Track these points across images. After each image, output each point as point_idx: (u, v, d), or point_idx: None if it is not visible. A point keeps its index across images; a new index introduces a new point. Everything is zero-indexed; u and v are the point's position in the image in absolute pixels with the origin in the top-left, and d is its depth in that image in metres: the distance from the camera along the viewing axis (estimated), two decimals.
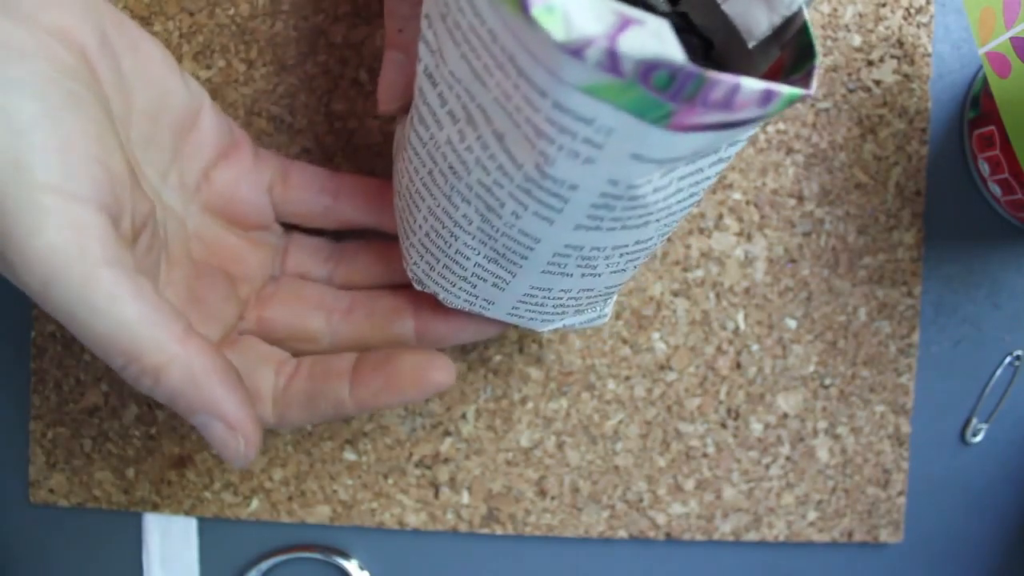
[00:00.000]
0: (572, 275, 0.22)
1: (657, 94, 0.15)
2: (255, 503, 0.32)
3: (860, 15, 0.32)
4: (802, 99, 0.17)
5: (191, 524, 0.32)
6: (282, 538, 0.33)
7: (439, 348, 0.29)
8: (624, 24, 0.15)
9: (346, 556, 0.32)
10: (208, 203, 0.27)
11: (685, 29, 0.22)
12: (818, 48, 0.19)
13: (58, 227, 0.19)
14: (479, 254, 0.23)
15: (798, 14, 0.19)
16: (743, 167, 0.32)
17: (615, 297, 0.27)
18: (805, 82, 0.18)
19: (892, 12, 0.32)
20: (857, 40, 0.32)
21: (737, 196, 0.32)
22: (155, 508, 0.32)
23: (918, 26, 0.32)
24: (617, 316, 0.32)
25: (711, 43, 0.21)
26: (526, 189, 0.19)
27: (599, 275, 0.23)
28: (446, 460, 0.32)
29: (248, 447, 0.22)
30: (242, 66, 0.31)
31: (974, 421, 0.33)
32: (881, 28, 0.32)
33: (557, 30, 0.15)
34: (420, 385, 0.26)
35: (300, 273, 0.29)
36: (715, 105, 0.16)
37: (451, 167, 0.21)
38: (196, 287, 0.25)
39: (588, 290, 0.24)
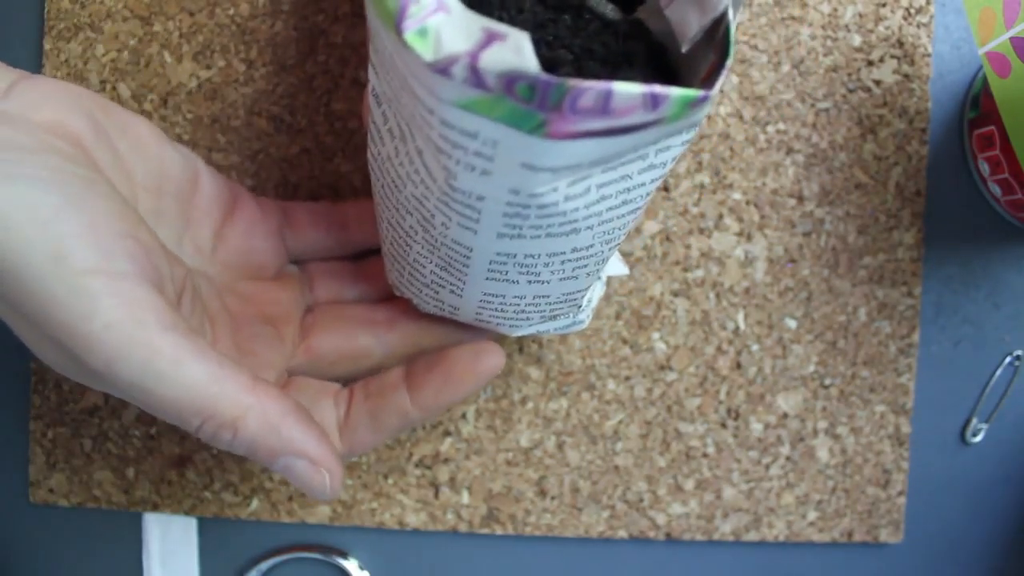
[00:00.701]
0: (518, 282, 0.23)
1: (525, 105, 0.16)
2: (255, 503, 0.32)
3: (860, 15, 0.32)
4: (700, 101, 0.17)
5: (191, 524, 0.32)
6: (282, 538, 0.33)
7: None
8: (488, 40, 0.16)
9: (346, 556, 0.32)
10: (226, 261, 0.27)
11: (637, 36, 0.22)
12: (732, 50, 0.19)
13: (111, 307, 0.19)
14: (431, 262, 0.23)
15: (724, 15, 0.19)
16: (743, 167, 0.32)
17: (594, 304, 0.27)
18: (710, 84, 0.18)
19: (892, 12, 0.32)
20: (857, 40, 0.32)
21: (737, 196, 0.32)
22: (155, 508, 0.32)
23: (918, 26, 0.32)
24: (617, 316, 0.32)
25: (664, 48, 0.22)
26: (444, 201, 0.20)
27: (546, 282, 0.23)
28: (446, 460, 0.32)
29: (334, 480, 0.23)
30: (242, 66, 0.31)
31: (974, 421, 0.33)
32: (881, 28, 0.32)
33: (426, 52, 0.16)
34: (477, 373, 0.26)
35: (332, 299, 0.29)
36: (589, 111, 0.16)
37: (393, 181, 0.22)
38: (241, 339, 0.26)
39: (544, 296, 0.24)
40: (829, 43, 0.32)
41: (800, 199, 0.32)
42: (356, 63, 0.31)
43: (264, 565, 0.32)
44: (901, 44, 0.32)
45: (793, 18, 0.32)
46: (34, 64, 0.31)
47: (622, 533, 0.32)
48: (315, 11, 0.31)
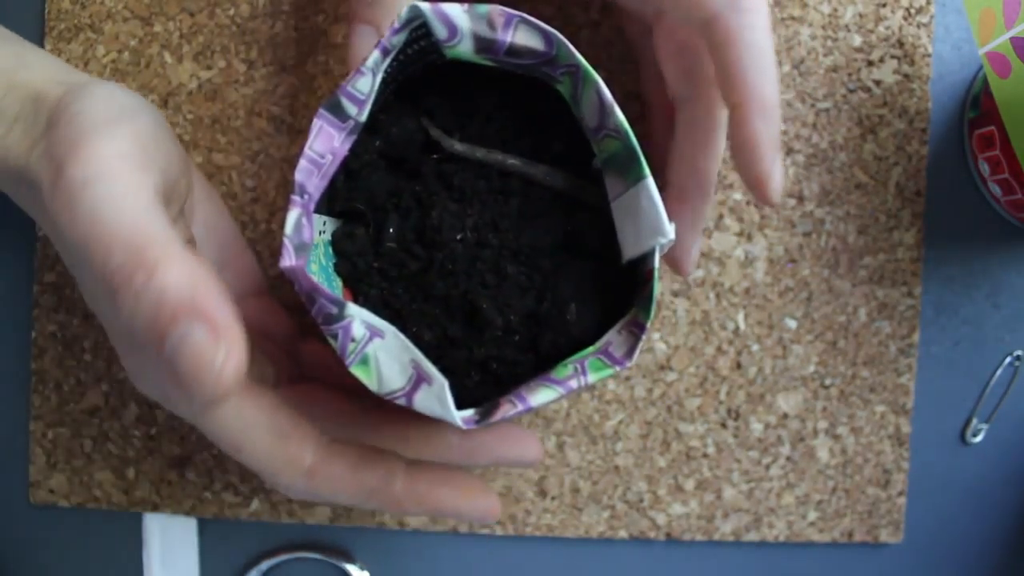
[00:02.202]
0: None
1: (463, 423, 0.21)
2: (255, 503, 0.32)
3: (860, 15, 0.32)
4: (620, 367, 0.21)
5: (191, 524, 0.32)
6: (282, 538, 0.33)
7: None
8: (418, 382, 0.20)
9: (346, 556, 0.32)
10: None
11: (585, 201, 0.24)
12: (652, 311, 0.21)
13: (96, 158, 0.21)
14: None
15: (650, 258, 0.21)
16: None
17: None
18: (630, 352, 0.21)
19: (892, 12, 0.32)
20: (857, 40, 0.32)
21: (737, 196, 0.32)
22: (155, 508, 0.32)
23: (918, 26, 0.32)
24: None
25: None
26: None
27: None
28: None
29: (229, 358, 0.18)
30: (242, 66, 0.31)
31: (974, 421, 0.33)
32: (881, 28, 0.32)
33: (371, 383, 0.20)
34: (476, 500, 0.25)
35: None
36: (512, 415, 0.21)
37: None
38: None
39: None
40: (829, 43, 0.32)
41: (800, 199, 0.32)
42: (356, 63, 0.31)
43: (264, 565, 0.32)
44: (901, 44, 0.32)
45: (793, 18, 0.32)
46: None
47: (622, 533, 0.32)
48: (315, 11, 0.31)
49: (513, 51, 0.21)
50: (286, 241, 0.20)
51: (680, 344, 0.32)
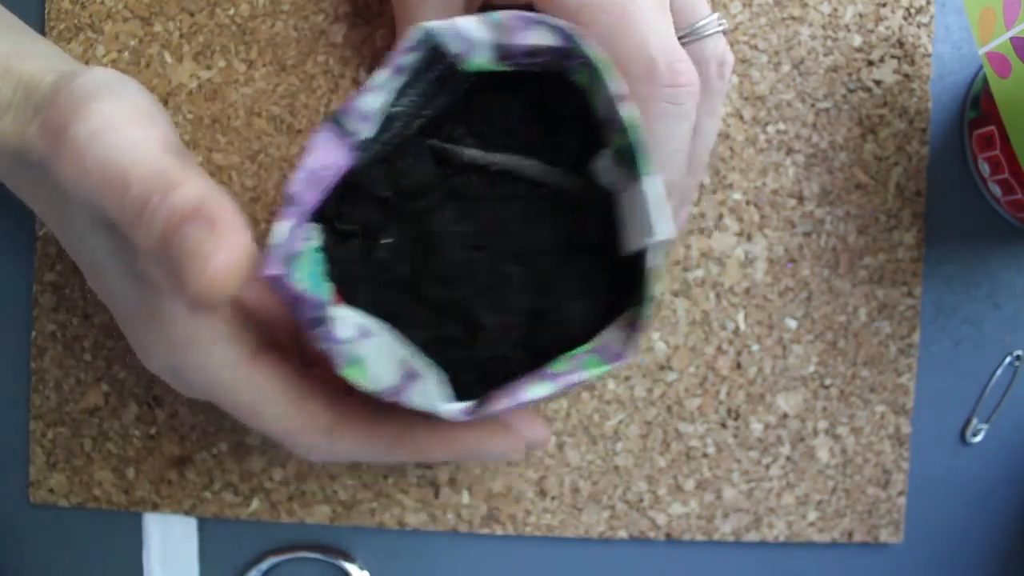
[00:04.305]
0: None
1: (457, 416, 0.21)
2: (255, 503, 0.32)
3: (860, 15, 0.32)
4: (617, 363, 0.21)
5: (191, 524, 0.32)
6: (282, 538, 0.33)
7: None
8: (409, 378, 0.21)
9: (346, 556, 0.32)
10: None
11: (591, 201, 0.24)
12: (649, 310, 0.21)
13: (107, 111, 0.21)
14: None
15: (643, 255, 0.21)
16: (743, 167, 0.32)
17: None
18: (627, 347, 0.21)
19: (892, 12, 0.32)
20: (857, 40, 0.32)
21: (737, 196, 0.32)
22: (155, 508, 0.32)
23: (918, 26, 0.32)
24: None
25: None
26: None
27: None
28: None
29: (218, 253, 0.18)
30: (242, 66, 0.31)
31: (974, 421, 0.33)
32: (881, 28, 0.32)
33: (365, 383, 0.21)
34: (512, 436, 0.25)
35: None
36: (505, 409, 0.21)
37: None
38: None
39: None
40: (829, 43, 0.32)
41: (800, 199, 0.32)
42: (356, 63, 0.31)
43: (264, 565, 0.32)
44: (901, 44, 0.32)
45: (793, 18, 0.32)
46: None
47: (622, 533, 0.32)
48: (315, 11, 0.31)
49: (531, 52, 0.21)
50: (272, 250, 0.20)
51: (680, 344, 0.32)
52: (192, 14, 0.31)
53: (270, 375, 0.24)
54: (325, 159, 0.21)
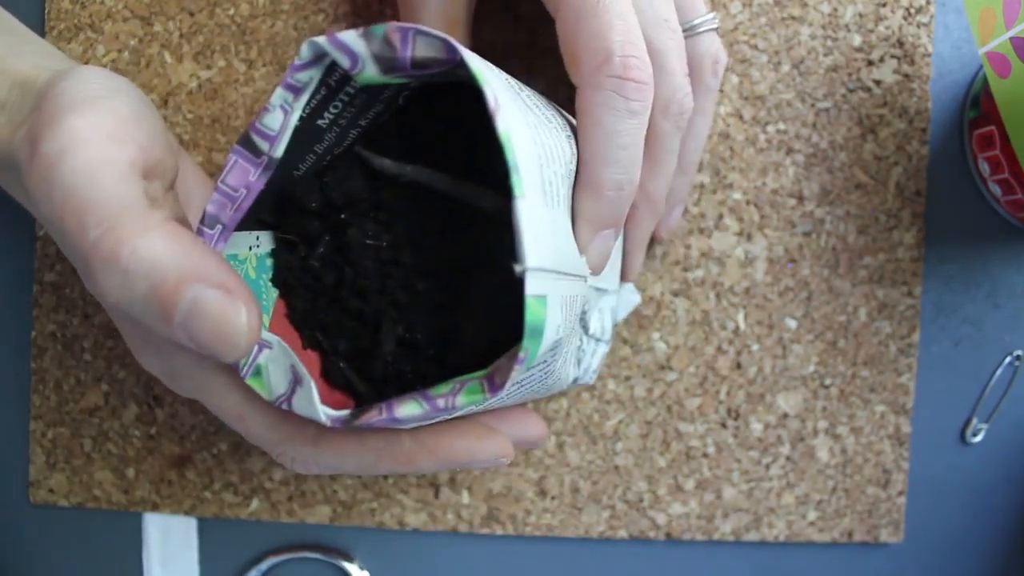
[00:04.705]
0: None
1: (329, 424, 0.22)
2: (255, 503, 0.32)
3: (860, 15, 0.32)
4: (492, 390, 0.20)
5: (191, 524, 0.32)
6: (282, 538, 0.33)
7: None
8: (295, 384, 0.21)
9: (346, 556, 0.32)
10: None
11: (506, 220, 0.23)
12: (533, 347, 0.19)
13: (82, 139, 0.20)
14: None
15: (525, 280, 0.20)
16: (743, 167, 0.32)
17: (595, 367, 0.28)
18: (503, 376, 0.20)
19: (892, 12, 0.32)
20: (857, 40, 0.32)
21: (737, 196, 0.32)
22: (155, 508, 0.32)
23: (918, 26, 0.32)
24: None
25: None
26: None
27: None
28: None
29: (251, 316, 0.19)
30: (242, 66, 0.31)
31: (974, 421, 0.33)
32: (881, 28, 0.32)
33: (264, 392, 0.22)
34: (489, 441, 0.25)
35: None
36: (377, 422, 0.21)
37: None
38: None
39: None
40: (829, 43, 0.32)
41: (800, 199, 0.32)
42: None
43: (264, 565, 0.32)
44: (901, 44, 0.32)
45: (793, 18, 0.32)
46: None
47: (622, 533, 0.32)
48: (315, 11, 0.31)
49: (418, 64, 0.21)
50: None
51: (680, 344, 0.32)
52: (192, 14, 0.31)
53: None
54: (238, 180, 0.22)
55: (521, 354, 0.19)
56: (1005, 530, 0.33)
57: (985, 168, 0.31)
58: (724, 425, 0.32)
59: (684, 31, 0.27)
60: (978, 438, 0.33)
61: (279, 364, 0.22)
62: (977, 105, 0.31)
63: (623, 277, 0.30)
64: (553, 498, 0.32)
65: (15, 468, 0.32)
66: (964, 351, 0.33)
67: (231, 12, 0.31)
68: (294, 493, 0.32)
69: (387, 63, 0.21)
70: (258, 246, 0.24)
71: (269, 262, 0.24)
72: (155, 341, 0.23)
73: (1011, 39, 0.27)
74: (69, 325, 0.32)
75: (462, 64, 0.20)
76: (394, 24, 0.21)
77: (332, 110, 0.22)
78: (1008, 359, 0.33)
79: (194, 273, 0.18)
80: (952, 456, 0.33)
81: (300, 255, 0.24)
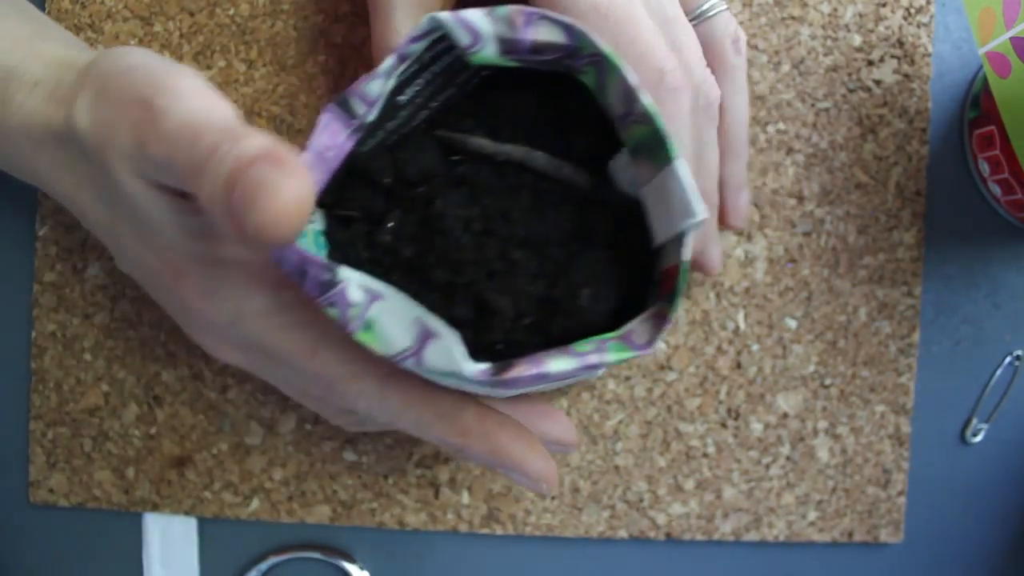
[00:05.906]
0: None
1: (477, 386, 0.20)
2: (255, 503, 0.32)
3: (860, 15, 0.32)
4: (638, 352, 0.21)
5: (191, 524, 0.32)
6: (282, 538, 0.33)
7: None
8: (425, 339, 0.20)
9: (346, 556, 0.32)
10: None
11: (602, 199, 0.24)
12: (679, 302, 0.21)
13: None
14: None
15: (682, 238, 0.21)
16: None
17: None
18: (659, 324, 0.21)
19: (892, 12, 0.32)
20: (857, 40, 0.32)
21: None
22: (155, 508, 0.32)
23: (918, 26, 0.32)
24: None
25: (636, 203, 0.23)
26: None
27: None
28: (446, 460, 0.32)
29: (289, 187, 0.17)
30: (242, 66, 0.31)
31: (974, 421, 0.33)
32: (881, 28, 0.32)
33: (379, 347, 0.20)
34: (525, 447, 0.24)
35: None
36: (529, 381, 0.20)
37: None
38: None
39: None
40: (829, 43, 0.32)
41: (800, 199, 0.32)
42: (356, 63, 0.31)
43: (264, 565, 0.32)
44: (901, 44, 0.32)
45: (793, 18, 0.32)
46: None
47: (622, 533, 0.32)
48: (315, 11, 0.31)
49: (536, 48, 0.21)
50: None
51: (680, 344, 0.32)
52: (192, 14, 0.31)
53: (330, 320, 0.23)
54: (330, 140, 0.21)
55: (671, 315, 0.20)
56: (1005, 530, 0.33)
57: (985, 168, 0.31)
58: (724, 425, 0.32)
59: (695, 18, 0.27)
60: (978, 438, 0.33)
61: (397, 316, 0.20)
62: (977, 105, 0.31)
63: (710, 272, 0.30)
64: (553, 498, 0.32)
65: (15, 468, 0.32)
66: (964, 351, 0.33)
67: (231, 12, 0.31)
68: (294, 493, 0.32)
69: (508, 45, 0.21)
70: (312, 222, 0.23)
71: (323, 240, 0.23)
72: (234, 279, 0.23)
73: (1011, 39, 0.27)
74: (69, 325, 0.32)
75: (579, 51, 0.21)
76: (518, 7, 0.21)
77: (415, 87, 0.22)
78: (1008, 359, 0.33)
79: (262, 153, 0.18)
80: (952, 456, 0.33)
81: (365, 231, 0.24)
